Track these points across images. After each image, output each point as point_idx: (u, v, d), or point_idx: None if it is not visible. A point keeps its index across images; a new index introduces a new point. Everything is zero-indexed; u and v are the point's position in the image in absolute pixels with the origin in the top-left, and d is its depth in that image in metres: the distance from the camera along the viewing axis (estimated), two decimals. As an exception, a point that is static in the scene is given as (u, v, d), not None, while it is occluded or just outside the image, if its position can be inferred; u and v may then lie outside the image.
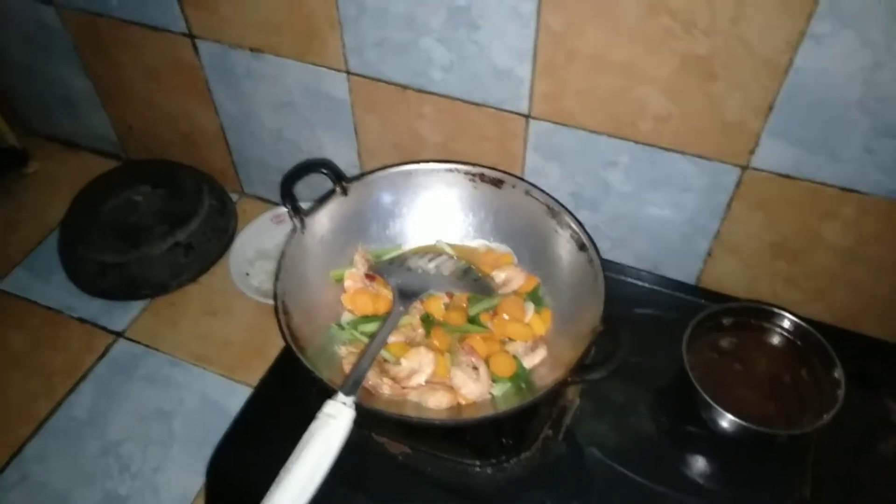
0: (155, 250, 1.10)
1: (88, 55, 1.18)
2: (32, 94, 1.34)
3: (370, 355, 0.71)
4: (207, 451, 0.83)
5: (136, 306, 1.11)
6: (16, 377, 1.04)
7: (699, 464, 0.78)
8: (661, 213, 0.90)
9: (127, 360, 1.04)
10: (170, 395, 1.00)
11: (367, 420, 0.68)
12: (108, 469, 0.93)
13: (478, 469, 0.77)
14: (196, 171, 1.22)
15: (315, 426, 0.64)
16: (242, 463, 0.80)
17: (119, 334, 1.07)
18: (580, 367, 0.69)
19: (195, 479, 0.91)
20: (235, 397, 0.98)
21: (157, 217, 1.13)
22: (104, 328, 1.08)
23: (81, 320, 1.09)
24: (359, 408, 0.66)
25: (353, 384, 0.67)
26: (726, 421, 0.74)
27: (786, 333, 0.83)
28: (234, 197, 1.26)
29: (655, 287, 0.96)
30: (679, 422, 0.80)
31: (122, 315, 1.09)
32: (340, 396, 0.66)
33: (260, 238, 1.14)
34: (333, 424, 0.64)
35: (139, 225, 1.12)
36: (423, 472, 0.76)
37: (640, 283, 0.96)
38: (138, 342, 1.06)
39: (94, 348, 1.05)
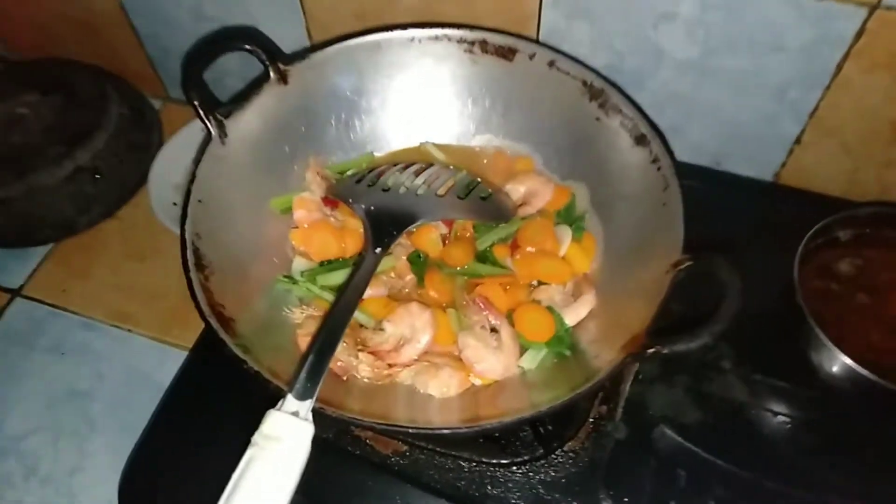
0: (50, 179, 0.91)
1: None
2: None
3: (337, 325, 0.49)
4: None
5: (35, 254, 0.95)
6: None
7: (812, 441, 0.59)
8: (735, 86, 0.71)
9: (26, 326, 0.89)
10: (85, 368, 0.86)
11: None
12: (9, 474, 0.79)
13: (504, 470, 0.57)
14: (98, 70, 1.02)
15: (248, 458, 0.41)
16: (169, 478, 0.62)
17: (15, 292, 0.92)
18: (656, 329, 0.48)
19: (124, 480, 0.77)
20: (171, 366, 0.82)
21: (48, 134, 0.94)
22: (-6, 285, 0.93)
23: (-37, 278, 0.94)
24: (320, 418, 0.44)
25: (308, 378, 0.45)
26: (851, 377, 0.55)
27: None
28: (157, 103, 1.07)
29: (714, 189, 0.76)
30: (781, 382, 0.61)
31: (16, 267, 0.94)
32: (289, 402, 0.44)
33: (191, 155, 0.91)
34: (278, 453, 0.42)
35: (26, 146, 0.93)
36: (425, 479, 0.57)
37: (693, 185, 0.72)
38: (40, 301, 0.91)
39: (-17, 312, 0.91)
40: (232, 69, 0.85)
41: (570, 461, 0.57)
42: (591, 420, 0.58)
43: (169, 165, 0.94)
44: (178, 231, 0.87)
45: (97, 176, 0.93)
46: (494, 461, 0.57)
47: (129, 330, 0.87)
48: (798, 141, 0.75)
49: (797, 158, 0.76)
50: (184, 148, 0.95)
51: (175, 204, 0.91)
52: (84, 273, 0.91)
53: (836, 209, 0.72)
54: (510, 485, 0.56)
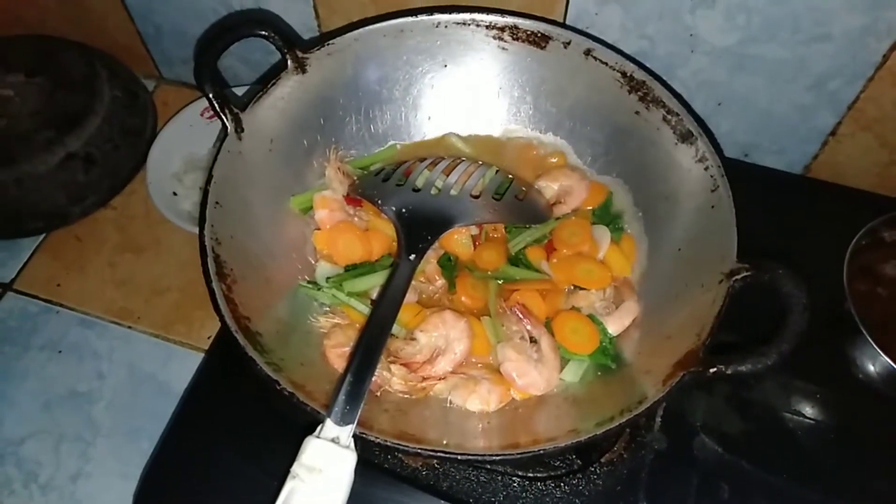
0: (40, 166, 0.86)
1: None
2: None
3: (374, 342, 0.45)
4: (144, 445, 0.71)
5: (25, 246, 0.90)
6: None
7: (857, 451, 0.56)
8: (772, 75, 0.69)
9: (20, 323, 0.85)
10: (84, 368, 0.82)
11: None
12: (8, 481, 0.75)
13: (540, 483, 0.54)
14: (87, 49, 0.97)
15: (288, 491, 0.38)
16: (188, 489, 0.58)
17: (6, 286, 0.87)
18: (712, 346, 0.44)
19: (129, 486, 0.71)
20: (176, 365, 0.81)
21: (36, 118, 0.89)
22: (-16, 279, 0.88)
23: (-50, 271, 0.89)
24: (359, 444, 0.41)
25: (348, 401, 0.42)
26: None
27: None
28: (150, 84, 1.02)
29: (742, 182, 0.72)
30: (824, 388, 0.59)
31: (6, 259, 0.89)
32: (329, 428, 0.41)
33: (189, 141, 0.91)
34: (320, 486, 0.39)
35: (13, 131, 0.88)
36: (457, 494, 0.54)
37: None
38: (33, 296, 0.87)
39: (-28, 308, 0.86)
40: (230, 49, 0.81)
41: (609, 474, 0.54)
42: (627, 431, 0.56)
43: (166, 153, 0.89)
44: (177, 221, 0.84)
45: (89, 164, 0.88)
46: (530, 474, 0.54)
47: (129, 327, 0.83)
48: (833, 133, 0.71)
49: (831, 151, 0.73)
50: (180, 134, 0.92)
51: (175, 194, 0.87)
52: (79, 266, 0.87)
53: (869, 204, 0.70)
54: (547, 499, 0.53)
